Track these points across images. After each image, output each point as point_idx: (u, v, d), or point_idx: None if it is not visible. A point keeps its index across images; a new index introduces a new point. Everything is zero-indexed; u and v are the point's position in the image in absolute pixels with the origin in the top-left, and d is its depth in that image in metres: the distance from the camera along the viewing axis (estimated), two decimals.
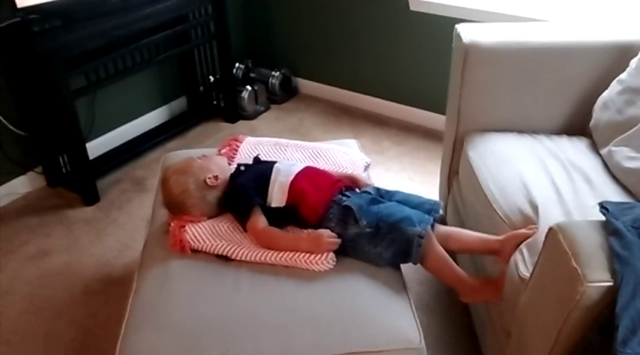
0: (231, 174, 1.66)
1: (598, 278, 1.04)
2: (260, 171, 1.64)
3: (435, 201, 1.59)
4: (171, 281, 1.42)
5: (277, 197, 1.56)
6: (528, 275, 1.32)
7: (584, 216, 1.45)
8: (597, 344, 1.07)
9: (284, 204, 1.55)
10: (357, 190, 1.62)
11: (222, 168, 1.67)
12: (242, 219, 1.55)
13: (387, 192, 1.63)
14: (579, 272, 1.05)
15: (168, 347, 1.25)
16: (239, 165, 1.70)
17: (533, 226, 1.47)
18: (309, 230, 1.51)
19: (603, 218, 1.18)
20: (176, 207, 1.61)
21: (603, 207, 1.21)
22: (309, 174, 1.61)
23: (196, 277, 1.43)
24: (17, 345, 1.89)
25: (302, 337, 1.27)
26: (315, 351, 1.25)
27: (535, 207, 1.52)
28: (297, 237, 1.51)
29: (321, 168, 1.71)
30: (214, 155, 1.77)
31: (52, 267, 2.22)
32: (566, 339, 1.12)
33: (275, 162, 1.67)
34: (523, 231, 1.48)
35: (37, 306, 2.04)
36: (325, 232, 1.46)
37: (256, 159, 1.76)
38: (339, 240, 1.46)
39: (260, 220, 1.52)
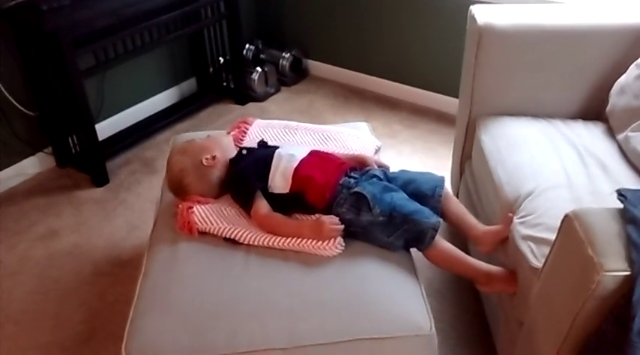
0: (233, 158, 1.65)
1: (614, 267, 1.02)
2: (261, 156, 1.62)
3: (440, 177, 1.60)
4: (179, 264, 1.42)
5: (280, 184, 1.55)
6: (539, 265, 1.30)
7: (597, 203, 1.42)
8: (612, 335, 1.05)
9: (287, 190, 1.54)
10: (364, 172, 1.60)
11: (223, 148, 1.67)
12: (246, 206, 1.54)
13: (394, 175, 1.62)
14: (595, 261, 1.03)
15: (176, 331, 1.25)
16: (241, 148, 1.69)
17: (510, 215, 1.47)
18: (317, 215, 1.49)
19: (620, 205, 1.15)
20: (175, 185, 1.63)
21: (621, 194, 1.18)
22: (313, 161, 1.58)
23: (205, 260, 1.43)
24: (26, 325, 1.90)
25: (309, 322, 1.26)
26: (322, 336, 1.24)
27: (536, 193, 1.50)
28: (300, 223, 1.49)
29: (326, 151, 1.69)
30: (220, 135, 1.77)
31: (61, 248, 2.22)
32: (580, 329, 1.10)
33: (277, 148, 1.65)
34: (498, 227, 1.51)
35: (46, 287, 2.05)
36: (327, 219, 1.44)
37: (260, 144, 1.74)
38: (341, 226, 1.44)
39: (262, 205, 1.51)
